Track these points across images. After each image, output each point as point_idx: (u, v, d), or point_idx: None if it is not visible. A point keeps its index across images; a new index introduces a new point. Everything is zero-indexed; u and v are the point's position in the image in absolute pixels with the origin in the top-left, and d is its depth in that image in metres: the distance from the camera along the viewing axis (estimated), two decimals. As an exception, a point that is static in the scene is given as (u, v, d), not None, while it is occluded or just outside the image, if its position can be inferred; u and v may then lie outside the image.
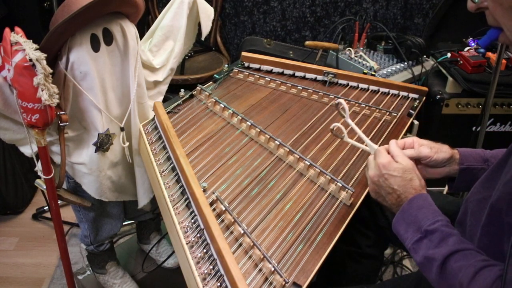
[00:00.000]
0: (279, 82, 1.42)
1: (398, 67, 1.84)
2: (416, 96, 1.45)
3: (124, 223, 1.74)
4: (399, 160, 0.88)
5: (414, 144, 0.98)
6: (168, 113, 1.21)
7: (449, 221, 0.81)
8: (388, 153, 0.91)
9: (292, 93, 1.41)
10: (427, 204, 0.83)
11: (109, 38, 1.10)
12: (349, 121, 1.01)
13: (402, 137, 1.27)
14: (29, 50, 0.95)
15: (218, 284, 0.80)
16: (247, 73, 1.46)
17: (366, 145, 0.99)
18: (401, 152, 0.90)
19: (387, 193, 0.87)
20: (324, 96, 1.38)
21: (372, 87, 1.45)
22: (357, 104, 1.35)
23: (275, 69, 1.50)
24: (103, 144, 1.18)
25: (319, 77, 1.47)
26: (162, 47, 1.34)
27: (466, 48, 1.87)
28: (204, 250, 0.86)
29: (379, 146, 0.96)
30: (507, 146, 0.93)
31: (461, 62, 1.80)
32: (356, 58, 1.88)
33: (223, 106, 1.26)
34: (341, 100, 1.01)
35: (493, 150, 1.01)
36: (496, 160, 0.96)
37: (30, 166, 2.08)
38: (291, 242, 0.91)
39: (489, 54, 1.82)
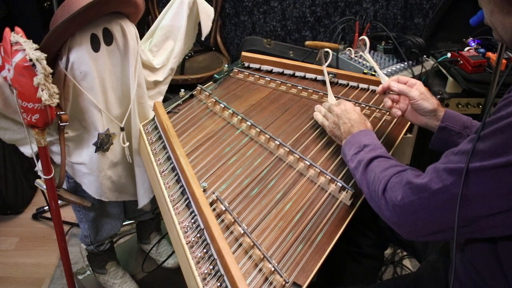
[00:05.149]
0: (279, 82, 1.42)
1: (398, 67, 1.84)
2: (416, 96, 1.45)
3: (124, 223, 1.74)
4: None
5: (413, 86, 1.10)
6: (168, 113, 1.21)
7: (382, 146, 0.97)
8: None
9: (292, 93, 1.41)
10: (372, 134, 1.02)
11: (109, 38, 1.10)
12: (325, 69, 1.33)
13: (402, 137, 1.27)
14: (29, 50, 0.95)
15: (218, 284, 0.80)
16: (247, 73, 1.46)
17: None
18: None
19: (343, 122, 1.07)
20: (324, 96, 1.38)
21: (372, 87, 1.45)
22: (357, 104, 1.35)
23: (275, 69, 1.50)
24: (103, 144, 1.18)
25: (319, 77, 1.47)
26: (162, 47, 1.34)
27: (466, 48, 1.86)
28: (204, 250, 0.86)
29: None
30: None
31: (461, 62, 1.80)
32: (356, 58, 1.88)
33: (223, 106, 1.26)
34: (328, 49, 1.33)
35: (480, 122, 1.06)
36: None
37: (30, 166, 2.08)
38: (291, 242, 0.91)
39: (489, 54, 1.82)
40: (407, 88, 1.09)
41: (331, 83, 1.46)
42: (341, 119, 1.08)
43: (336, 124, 1.10)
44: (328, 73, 1.45)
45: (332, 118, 1.11)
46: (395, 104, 1.14)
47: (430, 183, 0.74)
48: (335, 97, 1.29)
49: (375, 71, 1.61)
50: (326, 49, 1.31)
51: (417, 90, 1.08)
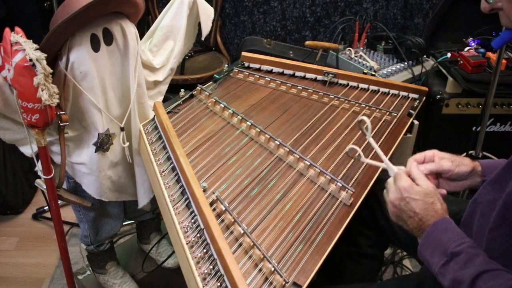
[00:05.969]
0: (279, 82, 1.42)
1: (398, 67, 1.84)
2: (416, 96, 1.45)
3: (124, 223, 1.74)
4: (420, 183, 0.87)
5: (434, 157, 0.97)
6: (168, 113, 1.21)
7: (474, 243, 0.79)
8: (409, 175, 0.90)
9: (292, 93, 1.41)
10: (451, 227, 0.82)
11: (109, 38, 1.10)
12: (371, 140, 0.99)
13: (402, 137, 1.27)
14: (29, 50, 0.95)
15: (218, 284, 0.80)
16: (247, 73, 1.46)
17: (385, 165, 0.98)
18: (422, 174, 0.89)
19: (408, 216, 0.86)
20: (324, 96, 1.38)
21: (372, 87, 1.45)
22: (357, 104, 1.35)
23: (275, 69, 1.50)
24: (103, 144, 1.18)
25: (319, 77, 1.47)
26: (162, 47, 1.34)
27: (466, 48, 1.87)
28: (204, 250, 0.86)
29: (383, 151, 0.97)
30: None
31: (461, 62, 1.80)
32: (356, 58, 1.88)
33: (223, 106, 1.26)
34: (365, 118, 0.98)
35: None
36: None
37: (30, 166, 2.08)
38: (291, 242, 0.91)
39: (489, 54, 1.82)
40: (436, 164, 0.96)
41: (330, 83, 1.46)
42: (403, 213, 0.86)
43: (399, 217, 0.88)
44: (328, 73, 1.45)
45: (391, 208, 0.89)
46: None
47: None
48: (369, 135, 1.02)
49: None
50: (362, 118, 0.99)
51: (445, 159, 0.96)
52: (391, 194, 0.89)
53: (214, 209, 0.95)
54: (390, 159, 0.99)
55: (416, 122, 1.37)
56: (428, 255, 0.81)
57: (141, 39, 1.23)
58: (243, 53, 1.50)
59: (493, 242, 0.79)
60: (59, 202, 1.20)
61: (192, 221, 0.92)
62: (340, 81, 1.47)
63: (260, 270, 0.84)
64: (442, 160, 0.96)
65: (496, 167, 0.93)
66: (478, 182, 0.97)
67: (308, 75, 1.49)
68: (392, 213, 0.89)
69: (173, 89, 1.42)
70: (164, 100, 1.35)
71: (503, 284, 0.70)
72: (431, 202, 0.84)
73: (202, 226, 0.89)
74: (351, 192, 1.01)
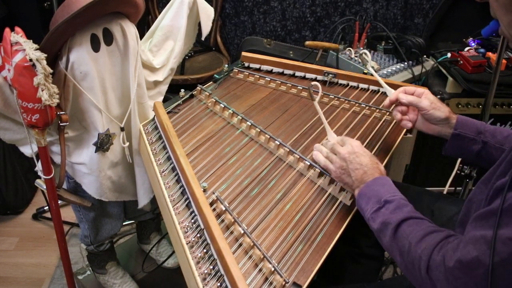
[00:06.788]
0: (279, 82, 1.42)
1: (398, 67, 1.84)
2: (416, 96, 1.45)
3: (124, 223, 1.75)
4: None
5: (422, 95, 1.06)
6: (168, 113, 1.21)
7: (406, 199, 0.87)
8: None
9: (292, 93, 1.41)
10: (390, 183, 0.90)
11: (109, 38, 1.10)
12: (317, 105, 1.08)
13: (402, 137, 1.27)
14: (29, 50, 0.95)
15: (218, 284, 0.80)
16: (247, 73, 1.46)
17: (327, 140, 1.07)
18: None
19: (354, 168, 0.94)
20: (324, 96, 1.38)
21: (372, 87, 1.45)
22: (357, 104, 1.35)
23: (275, 69, 1.50)
24: (103, 144, 1.18)
25: (319, 77, 1.47)
26: (162, 47, 1.34)
27: (466, 48, 1.87)
28: (204, 250, 0.86)
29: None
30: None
31: (461, 62, 1.80)
32: (356, 58, 1.88)
33: (223, 106, 1.26)
34: (317, 83, 1.09)
35: (496, 126, 1.05)
36: (492, 136, 1.02)
37: (30, 166, 2.08)
38: (291, 242, 0.91)
39: (489, 54, 1.82)
40: (416, 99, 1.06)
41: (330, 83, 1.46)
42: (350, 164, 0.95)
43: (344, 170, 0.96)
44: (328, 73, 1.45)
45: (339, 162, 0.98)
46: (404, 116, 1.11)
47: (483, 257, 0.65)
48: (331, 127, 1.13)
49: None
50: (314, 83, 1.11)
51: (427, 99, 1.05)
52: (343, 149, 0.98)
53: (214, 209, 0.95)
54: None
55: (416, 122, 1.37)
56: (364, 203, 0.90)
57: (141, 39, 1.23)
58: (243, 53, 1.50)
59: None
60: (59, 202, 1.20)
61: (192, 221, 0.92)
62: (340, 81, 1.47)
63: (260, 270, 0.84)
64: (425, 99, 1.05)
65: (469, 126, 1.02)
66: (448, 132, 1.05)
67: (308, 75, 1.49)
68: (339, 167, 0.98)
69: (173, 89, 1.42)
70: (164, 100, 1.35)
71: (424, 230, 0.78)
72: (376, 162, 0.96)
73: (202, 226, 0.89)
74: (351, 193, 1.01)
